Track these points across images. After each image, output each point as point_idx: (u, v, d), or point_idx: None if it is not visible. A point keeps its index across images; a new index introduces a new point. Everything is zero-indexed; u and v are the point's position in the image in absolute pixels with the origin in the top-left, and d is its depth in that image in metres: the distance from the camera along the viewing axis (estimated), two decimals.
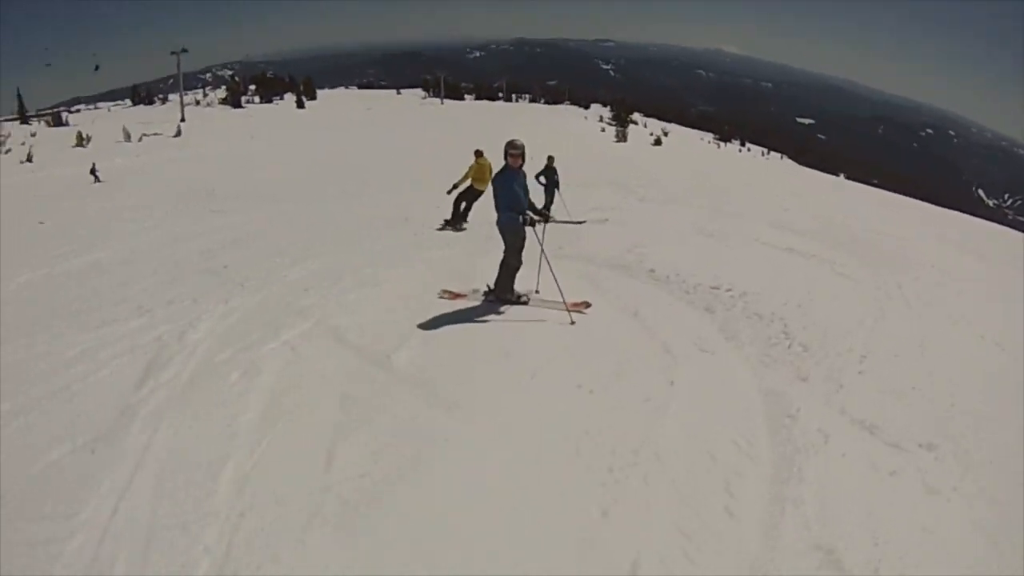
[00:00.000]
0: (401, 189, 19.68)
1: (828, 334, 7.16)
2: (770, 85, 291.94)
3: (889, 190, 41.21)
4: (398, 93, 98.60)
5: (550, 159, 16.03)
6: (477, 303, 8.12)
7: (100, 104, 71.22)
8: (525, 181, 7.75)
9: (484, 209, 10.18)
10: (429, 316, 7.58)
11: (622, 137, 57.24)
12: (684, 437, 4.96)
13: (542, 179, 15.71)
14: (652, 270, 9.68)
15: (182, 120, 48.63)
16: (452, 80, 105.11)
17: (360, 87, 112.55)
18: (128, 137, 38.65)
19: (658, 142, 58.94)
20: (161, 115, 54.35)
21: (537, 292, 8.29)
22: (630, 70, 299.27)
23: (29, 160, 28.86)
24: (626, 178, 23.79)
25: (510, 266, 7.90)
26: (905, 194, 37.84)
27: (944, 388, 5.92)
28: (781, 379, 6.04)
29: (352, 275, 9.54)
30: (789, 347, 6.80)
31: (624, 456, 4.67)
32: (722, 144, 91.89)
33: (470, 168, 13.77)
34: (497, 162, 8.39)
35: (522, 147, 7.58)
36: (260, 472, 4.53)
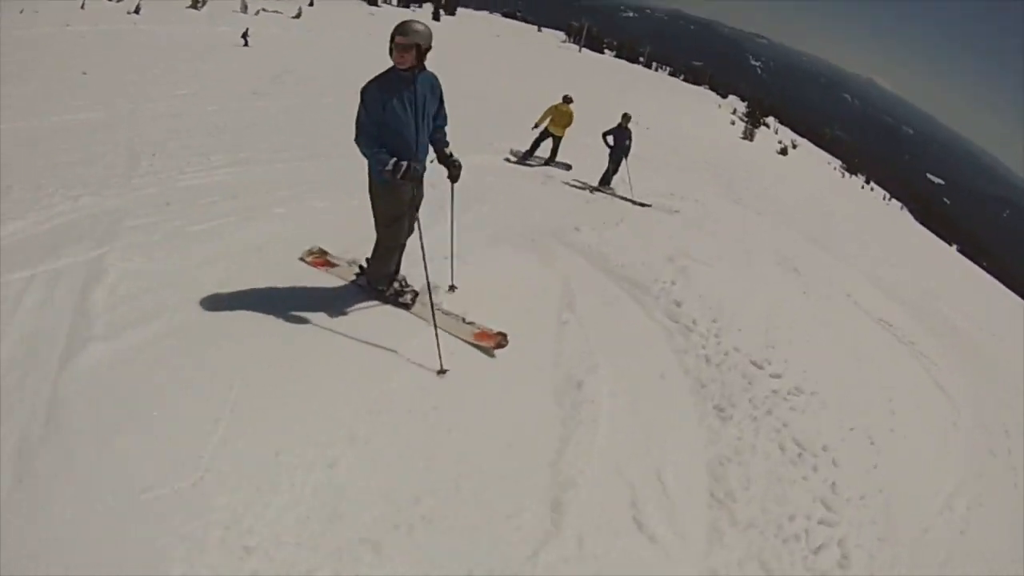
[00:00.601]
0: (465, 120, 16.39)
1: (894, 527, 4.03)
2: (911, 131, 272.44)
3: (995, 277, 37.85)
4: (539, 30, 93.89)
5: (625, 117, 12.66)
6: (339, 284, 4.98)
7: None
8: (433, 102, 4.33)
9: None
10: (233, 288, 4.54)
11: (749, 136, 53.09)
12: None
13: (610, 139, 12.56)
14: (678, 303, 6.38)
15: (310, 4, 46.32)
16: (597, 31, 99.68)
17: (504, 15, 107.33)
18: (245, 8, 36.09)
19: (784, 151, 54.80)
20: None
21: (452, 289, 5.11)
22: (777, 73, 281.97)
23: (136, 12, 26.78)
24: (732, 176, 21.21)
25: (382, 244, 4.68)
26: (1011, 287, 33.87)
27: None
28: None
29: (252, 197, 6.68)
30: (816, 552, 3.56)
31: None
32: (847, 175, 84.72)
33: (548, 109, 13.21)
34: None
35: (423, 33, 4.04)
36: None
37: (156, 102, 11.11)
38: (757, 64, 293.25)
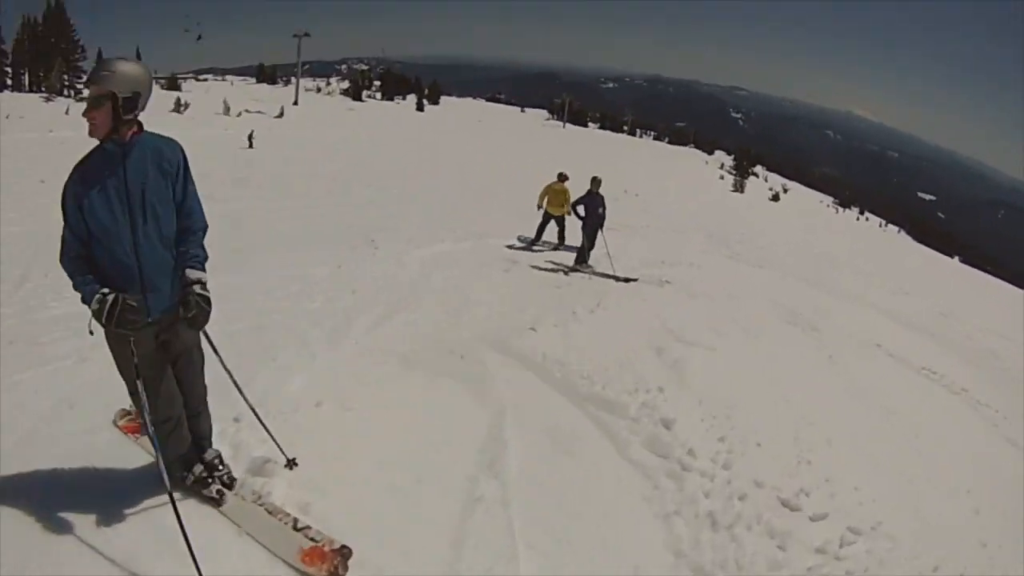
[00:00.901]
0: (430, 207, 15.00)
1: None
2: (896, 155, 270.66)
3: (1002, 279, 37.35)
4: (522, 111, 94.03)
5: (595, 182, 11.06)
6: (144, 462, 3.17)
7: (228, 76, 70.89)
8: (164, 185, 2.59)
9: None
10: (9, 471, 2.99)
11: (739, 188, 52.29)
12: None
13: (580, 209, 10.91)
14: (667, 423, 4.43)
15: (295, 103, 46.26)
16: (579, 106, 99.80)
17: (487, 100, 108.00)
18: (227, 110, 36.06)
19: (776, 198, 54.03)
20: (277, 95, 51.21)
21: (291, 465, 3.23)
22: (760, 122, 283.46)
23: None
24: (726, 230, 19.71)
25: (147, 421, 2.62)
26: (1020, 286, 33.54)
27: None
28: None
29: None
30: None
31: None
32: (840, 209, 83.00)
33: (544, 189, 12.18)
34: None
35: (121, 75, 2.42)
36: None
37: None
38: (739, 116, 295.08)
